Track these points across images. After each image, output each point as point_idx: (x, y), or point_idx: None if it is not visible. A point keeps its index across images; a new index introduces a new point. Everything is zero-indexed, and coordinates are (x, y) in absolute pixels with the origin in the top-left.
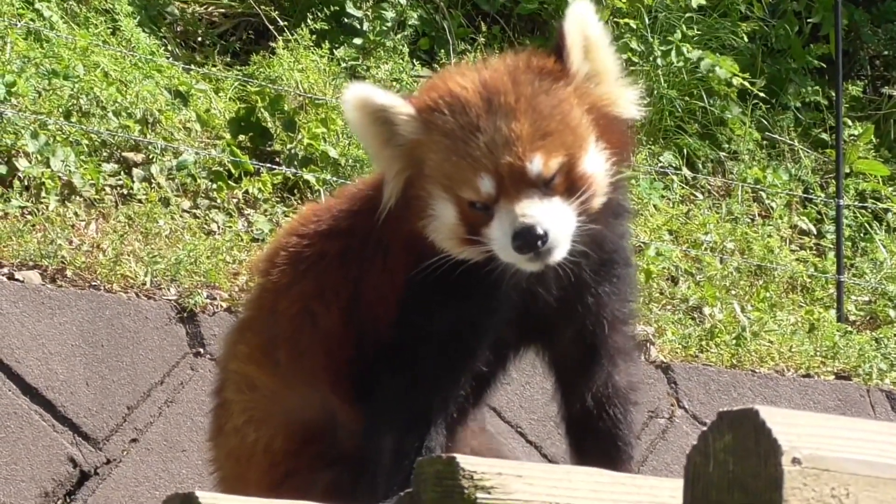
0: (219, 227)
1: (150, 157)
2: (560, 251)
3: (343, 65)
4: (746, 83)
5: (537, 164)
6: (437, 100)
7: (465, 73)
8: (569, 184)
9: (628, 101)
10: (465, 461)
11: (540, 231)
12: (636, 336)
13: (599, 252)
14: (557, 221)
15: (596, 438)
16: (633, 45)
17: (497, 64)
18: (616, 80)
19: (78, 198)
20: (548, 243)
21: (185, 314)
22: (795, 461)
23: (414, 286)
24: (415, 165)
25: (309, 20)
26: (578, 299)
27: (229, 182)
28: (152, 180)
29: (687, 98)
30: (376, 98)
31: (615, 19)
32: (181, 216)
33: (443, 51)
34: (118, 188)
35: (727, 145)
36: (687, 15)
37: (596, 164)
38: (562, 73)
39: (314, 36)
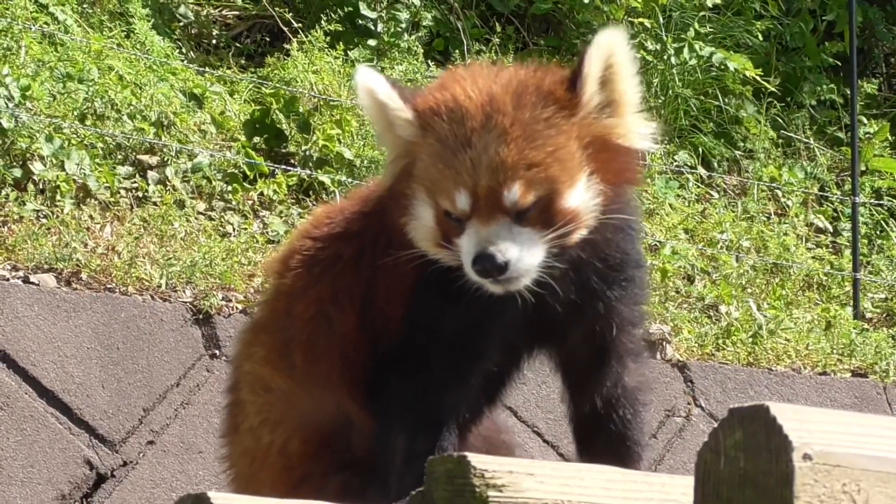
0: (234, 229)
1: (165, 159)
2: (523, 281)
3: (357, 66)
4: (759, 78)
5: (514, 193)
6: (441, 104)
7: (476, 80)
8: (546, 217)
9: (641, 135)
10: (476, 459)
11: (500, 261)
12: (647, 336)
13: (604, 262)
14: (522, 253)
15: (605, 439)
16: (648, 44)
17: (509, 75)
18: (633, 112)
19: (93, 200)
20: (507, 274)
21: (201, 316)
22: (807, 457)
23: (423, 288)
24: (409, 157)
25: (323, 22)
26: (587, 304)
27: (244, 184)
28: (167, 183)
29: (702, 97)
30: (380, 94)
31: (629, 18)
32: (196, 218)
33: (457, 51)
34: (133, 191)
35: (742, 144)
36: (701, 14)
37: (581, 199)
38: (570, 102)
39: (328, 37)
